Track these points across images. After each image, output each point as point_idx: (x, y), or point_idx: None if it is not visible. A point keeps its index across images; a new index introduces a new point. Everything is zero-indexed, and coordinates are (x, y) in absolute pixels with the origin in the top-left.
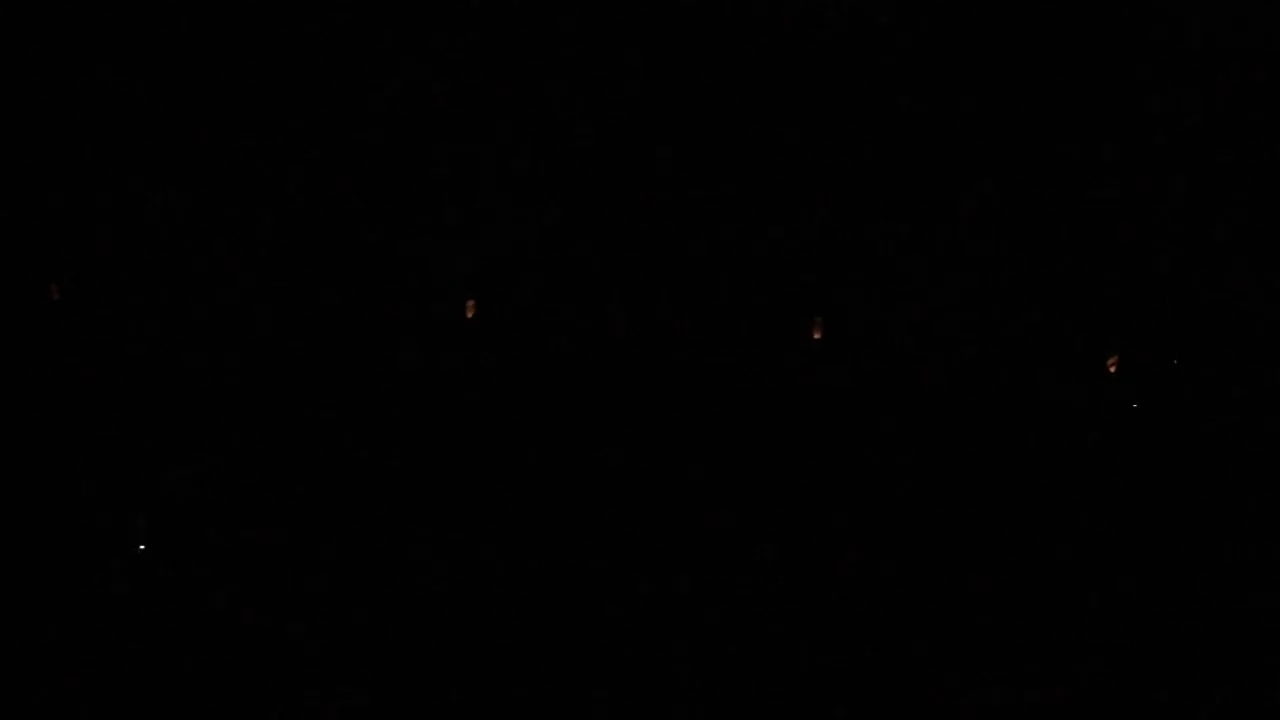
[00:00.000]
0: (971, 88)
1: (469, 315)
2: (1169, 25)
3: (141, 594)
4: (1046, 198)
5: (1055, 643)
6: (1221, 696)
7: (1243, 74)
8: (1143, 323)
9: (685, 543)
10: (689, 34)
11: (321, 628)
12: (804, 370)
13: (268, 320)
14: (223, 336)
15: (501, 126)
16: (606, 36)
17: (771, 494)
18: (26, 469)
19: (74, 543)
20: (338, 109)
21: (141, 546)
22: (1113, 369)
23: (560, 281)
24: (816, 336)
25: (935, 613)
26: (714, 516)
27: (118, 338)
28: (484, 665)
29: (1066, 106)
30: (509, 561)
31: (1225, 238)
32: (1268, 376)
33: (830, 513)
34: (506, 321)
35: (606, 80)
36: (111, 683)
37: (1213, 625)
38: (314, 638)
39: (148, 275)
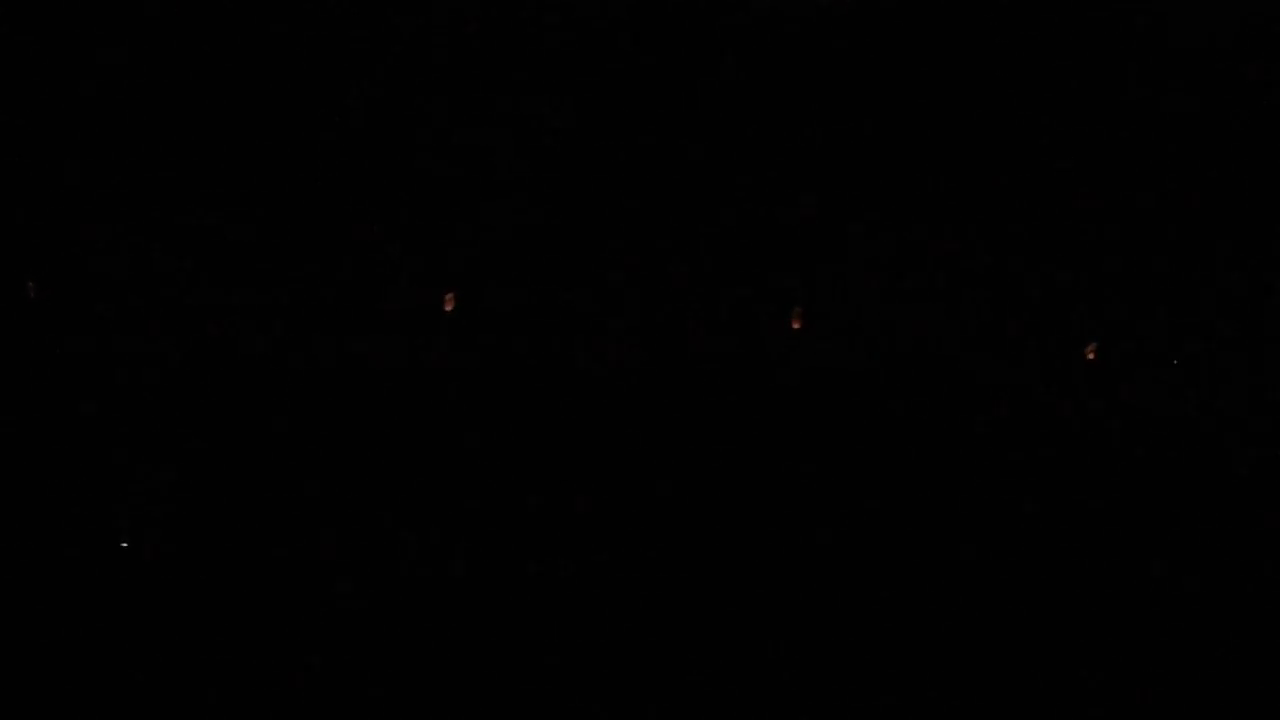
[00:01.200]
0: (953, 80)
1: (448, 308)
2: (1154, 19)
3: (122, 594)
4: (1033, 191)
5: (1051, 641)
6: (1220, 696)
7: (1241, 71)
8: (1131, 318)
9: (671, 536)
10: (669, 27)
11: (306, 626)
12: (783, 360)
13: (244, 314)
14: (199, 333)
15: (482, 119)
16: (585, 29)
17: (751, 486)
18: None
19: (55, 542)
20: (315, 102)
21: (124, 544)
22: (1091, 356)
23: (540, 273)
24: (796, 326)
25: (924, 608)
26: (697, 509)
27: (96, 337)
28: (477, 664)
29: (1053, 98)
30: (495, 561)
31: (1221, 234)
32: (1266, 374)
33: (811, 506)
34: (486, 314)
35: (586, 73)
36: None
37: (1211, 625)
38: (298, 635)
39: (126, 273)
